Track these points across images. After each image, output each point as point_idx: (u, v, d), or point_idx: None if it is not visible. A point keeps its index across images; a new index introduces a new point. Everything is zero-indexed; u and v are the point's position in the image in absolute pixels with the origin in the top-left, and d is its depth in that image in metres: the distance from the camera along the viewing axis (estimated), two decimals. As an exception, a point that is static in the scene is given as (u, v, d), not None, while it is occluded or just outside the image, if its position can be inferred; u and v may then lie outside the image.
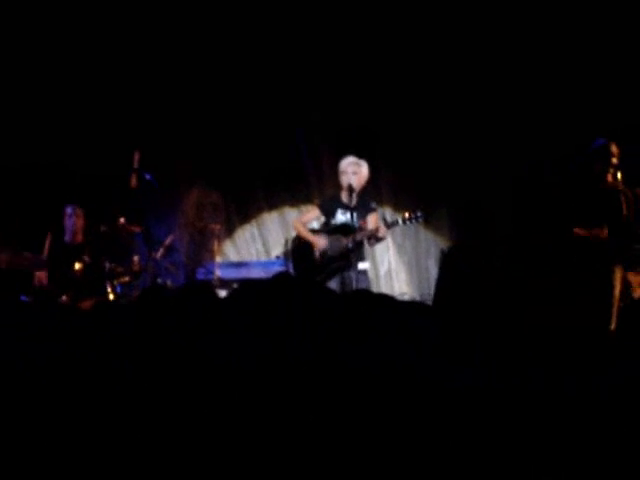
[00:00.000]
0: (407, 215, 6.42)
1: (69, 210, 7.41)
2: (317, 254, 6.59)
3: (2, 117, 8.00)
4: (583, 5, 7.66)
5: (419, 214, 6.40)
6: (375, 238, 6.51)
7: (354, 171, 6.65)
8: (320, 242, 6.60)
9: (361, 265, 6.53)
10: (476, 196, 8.25)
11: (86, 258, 7.10)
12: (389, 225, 6.47)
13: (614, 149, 5.96)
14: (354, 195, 6.56)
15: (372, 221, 6.60)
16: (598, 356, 2.29)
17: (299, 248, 6.82)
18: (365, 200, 6.73)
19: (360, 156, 6.82)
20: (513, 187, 8.02)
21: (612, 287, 5.82)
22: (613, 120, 7.00)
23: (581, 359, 2.25)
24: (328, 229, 6.66)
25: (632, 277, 5.86)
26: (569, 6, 7.71)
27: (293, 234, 7.13)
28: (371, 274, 8.28)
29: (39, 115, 8.17)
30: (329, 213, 6.74)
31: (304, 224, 6.88)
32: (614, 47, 7.58)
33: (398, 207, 8.55)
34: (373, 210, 6.74)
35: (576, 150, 6.92)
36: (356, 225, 6.52)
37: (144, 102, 8.52)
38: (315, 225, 6.92)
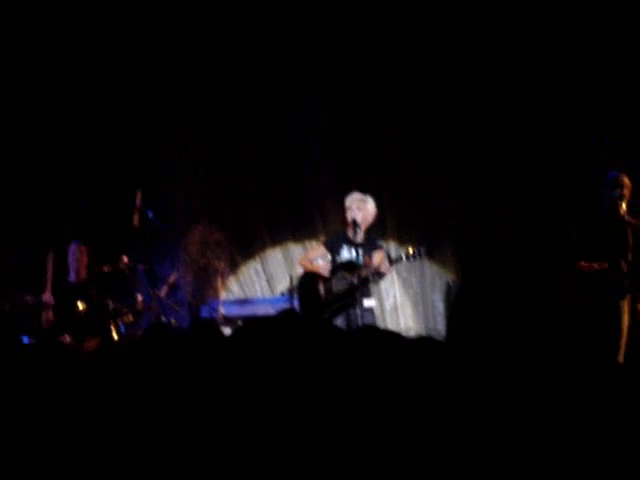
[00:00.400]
0: (410, 251, 6.38)
1: (73, 247, 7.39)
2: (322, 292, 6.54)
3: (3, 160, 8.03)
4: (586, 16, 7.68)
5: (422, 250, 6.36)
6: (377, 274, 6.48)
7: (359, 207, 6.64)
8: (324, 269, 6.56)
9: (367, 302, 6.49)
10: (481, 229, 8.21)
11: (89, 297, 7.06)
12: (392, 261, 6.45)
13: (626, 181, 5.95)
14: (359, 231, 6.54)
15: (378, 258, 6.54)
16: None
17: (304, 286, 6.78)
18: (371, 237, 6.72)
19: (365, 191, 6.82)
20: (519, 219, 7.99)
21: (620, 319, 5.79)
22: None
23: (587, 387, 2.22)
24: (333, 266, 6.62)
25: (640, 308, 5.85)
26: (571, 20, 7.73)
27: (298, 271, 7.10)
28: (377, 309, 8.23)
29: (40, 154, 8.19)
30: (334, 250, 6.71)
31: (310, 261, 6.86)
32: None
33: (402, 241, 8.52)
34: (379, 247, 6.71)
35: (581, 179, 6.94)
36: (361, 262, 6.48)
37: (146, 141, 8.53)
38: (320, 262, 6.90)
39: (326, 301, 6.51)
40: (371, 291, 6.71)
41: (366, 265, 6.43)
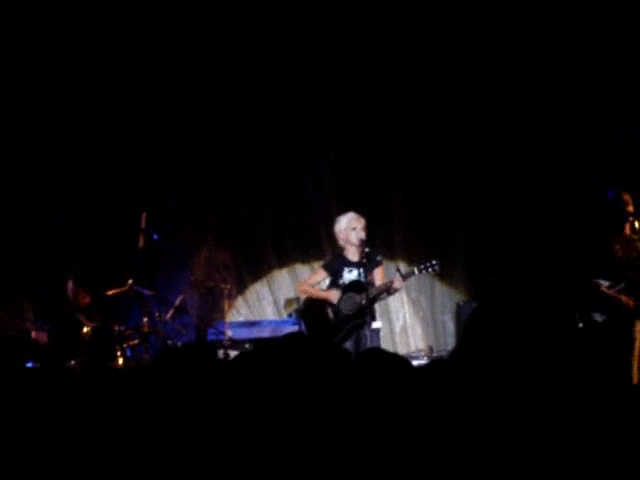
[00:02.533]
0: (422, 265, 6.34)
1: (69, 285, 7.34)
2: (331, 314, 6.48)
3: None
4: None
5: (435, 263, 6.31)
6: (388, 292, 6.42)
7: (363, 226, 6.60)
8: (333, 295, 6.50)
9: (375, 324, 6.46)
10: (491, 248, 8.18)
11: (95, 321, 7.01)
12: (405, 276, 6.40)
13: (627, 198, 5.90)
14: (367, 250, 6.47)
15: (379, 274, 6.53)
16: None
17: (311, 308, 6.71)
18: (370, 254, 6.59)
19: (373, 211, 6.82)
20: (529, 237, 7.95)
21: (634, 340, 5.72)
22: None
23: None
24: (341, 288, 6.55)
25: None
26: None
27: (299, 295, 7.06)
28: (386, 330, 8.19)
29: (41, 176, 8.18)
30: (335, 273, 6.67)
31: (311, 286, 6.81)
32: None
33: (411, 260, 8.47)
34: (379, 263, 6.65)
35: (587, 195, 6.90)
36: (364, 281, 6.39)
37: (150, 162, 8.50)
38: (323, 286, 6.86)
39: (335, 323, 6.44)
40: (376, 313, 6.66)
41: (371, 284, 6.36)
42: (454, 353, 2.72)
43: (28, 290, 7.49)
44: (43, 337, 7.02)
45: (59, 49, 7.78)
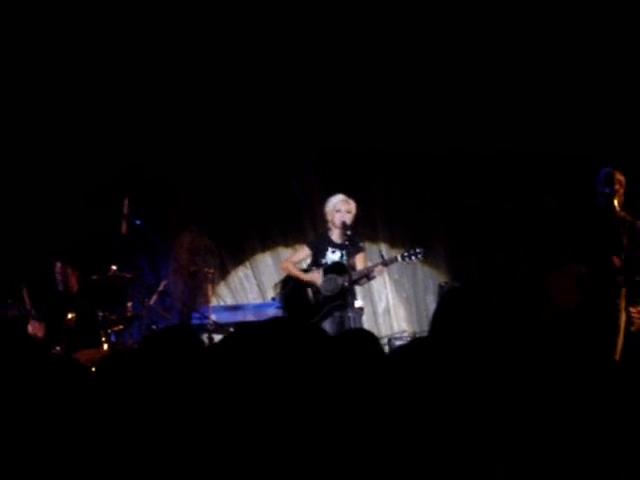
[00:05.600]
0: (405, 252, 6.34)
1: (57, 267, 7.34)
2: (311, 294, 6.51)
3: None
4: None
5: (419, 251, 6.29)
6: (368, 277, 6.46)
7: (348, 209, 6.63)
8: (316, 278, 6.53)
9: (357, 303, 6.47)
10: (472, 230, 8.22)
11: (79, 308, 7.02)
12: (386, 262, 6.40)
13: (619, 177, 5.93)
14: (349, 233, 6.49)
15: (360, 260, 6.55)
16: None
17: (290, 289, 6.74)
18: (354, 239, 6.63)
19: (355, 194, 6.83)
20: (511, 219, 8.00)
21: (618, 318, 5.77)
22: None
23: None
24: (323, 269, 6.59)
25: (632, 309, 5.83)
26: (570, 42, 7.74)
27: (283, 275, 7.07)
28: (369, 312, 8.24)
29: (26, 164, 8.14)
30: (319, 252, 6.70)
31: (294, 264, 6.83)
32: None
33: (394, 243, 8.52)
34: (361, 250, 6.68)
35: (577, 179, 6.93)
36: (346, 264, 6.42)
37: (135, 148, 8.49)
38: (304, 265, 6.88)
39: (315, 304, 6.47)
40: (356, 293, 6.69)
41: (352, 267, 6.39)
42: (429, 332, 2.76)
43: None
44: (39, 329, 7.01)
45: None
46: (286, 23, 8.18)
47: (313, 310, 6.44)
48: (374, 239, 8.50)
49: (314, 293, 6.51)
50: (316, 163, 8.70)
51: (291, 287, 6.76)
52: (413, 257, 6.31)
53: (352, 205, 6.68)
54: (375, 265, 6.45)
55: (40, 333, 7.02)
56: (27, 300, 7.15)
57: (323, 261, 6.63)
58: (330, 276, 6.48)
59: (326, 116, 8.51)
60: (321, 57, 8.33)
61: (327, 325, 6.32)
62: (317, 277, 6.55)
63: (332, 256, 6.61)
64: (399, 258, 6.34)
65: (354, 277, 6.35)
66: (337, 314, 6.38)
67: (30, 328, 7.04)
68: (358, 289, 6.80)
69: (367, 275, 6.42)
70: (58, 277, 7.28)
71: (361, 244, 6.71)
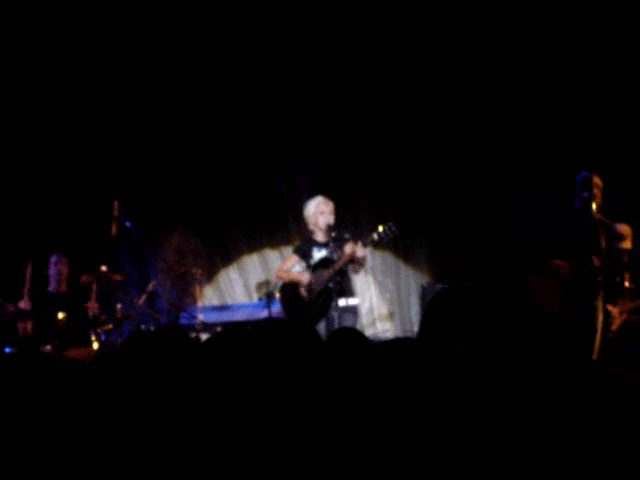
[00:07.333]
0: (380, 229, 6.26)
1: (54, 258, 7.43)
2: (304, 293, 6.53)
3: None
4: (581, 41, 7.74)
5: (391, 225, 6.22)
6: (354, 261, 6.41)
7: (330, 210, 6.63)
8: (304, 277, 6.55)
9: (350, 301, 6.45)
10: (455, 230, 8.29)
11: (69, 307, 7.09)
12: (365, 243, 6.31)
13: (596, 180, 6.02)
14: (333, 233, 6.50)
15: (350, 249, 6.46)
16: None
17: (286, 291, 6.75)
18: (338, 233, 6.58)
19: (339, 195, 6.87)
20: (493, 219, 8.07)
21: (595, 319, 5.82)
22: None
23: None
24: (311, 267, 6.62)
25: (611, 308, 5.91)
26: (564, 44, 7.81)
27: (277, 281, 7.07)
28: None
29: (19, 164, 8.20)
30: (306, 255, 6.69)
31: (286, 272, 6.84)
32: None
33: (378, 243, 8.56)
34: (348, 240, 6.60)
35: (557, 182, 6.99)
36: (335, 257, 6.43)
37: (123, 150, 8.56)
38: (298, 269, 6.89)
39: (309, 301, 6.48)
40: (353, 289, 6.70)
41: (340, 257, 6.39)
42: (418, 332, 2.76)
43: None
44: (28, 327, 7.08)
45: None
46: (269, 25, 8.25)
47: (309, 308, 6.44)
48: (357, 239, 8.52)
49: (308, 291, 6.52)
50: (301, 163, 8.76)
51: (286, 289, 6.77)
52: (389, 233, 6.29)
53: (331, 204, 6.69)
54: (354, 249, 6.37)
55: (30, 331, 7.10)
56: (26, 295, 7.21)
57: (312, 262, 6.65)
58: (319, 272, 6.49)
59: (310, 118, 8.61)
60: (306, 57, 8.40)
61: (321, 323, 6.37)
62: (305, 275, 6.56)
63: (318, 254, 6.62)
64: (375, 236, 6.27)
65: (339, 265, 6.33)
66: (335, 308, 6.34)
67: (21, 325, 7.12)
68: (357, 289, 6.67)
69: (352, 260, 6.41)
70: (53, 271, 7.36)
71: (346, 235, 6.65)
